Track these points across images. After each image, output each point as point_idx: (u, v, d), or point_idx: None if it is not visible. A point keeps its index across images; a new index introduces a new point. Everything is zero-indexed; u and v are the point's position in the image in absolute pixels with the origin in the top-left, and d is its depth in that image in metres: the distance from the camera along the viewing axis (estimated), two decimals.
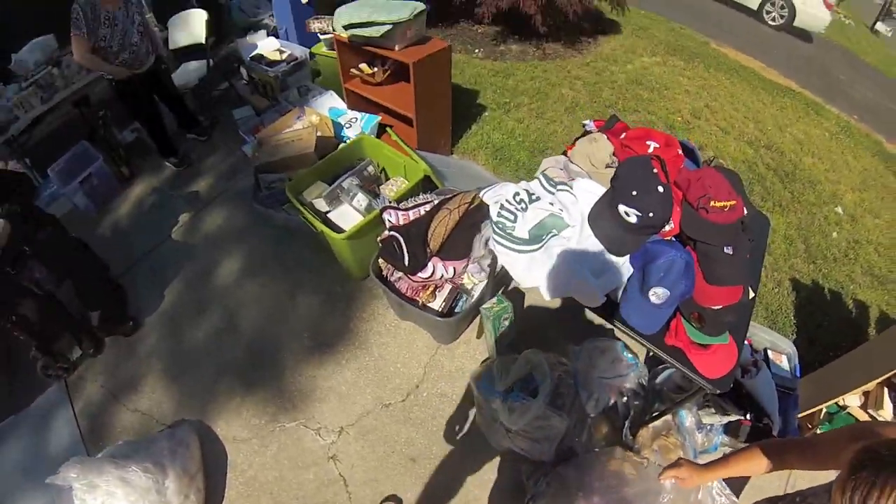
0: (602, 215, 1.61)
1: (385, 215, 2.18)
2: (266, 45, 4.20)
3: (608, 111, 4.34)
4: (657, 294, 1.48)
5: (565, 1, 4.36)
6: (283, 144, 2.97)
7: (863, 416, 2.33)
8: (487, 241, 1.95)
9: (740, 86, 5.65)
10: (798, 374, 2.37)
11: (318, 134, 3.01)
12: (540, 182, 1.82)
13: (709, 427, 2.12)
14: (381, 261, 2.31)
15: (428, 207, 2.13)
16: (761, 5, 8.78)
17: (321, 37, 3.66)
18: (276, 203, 3.04)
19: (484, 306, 2.21)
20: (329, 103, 3.46)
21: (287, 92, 3.80)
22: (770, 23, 8.76)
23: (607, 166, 1.81)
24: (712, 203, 1.52)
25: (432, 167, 2.55)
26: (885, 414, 2.26)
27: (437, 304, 2.21)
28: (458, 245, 2.05)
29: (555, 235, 1.67)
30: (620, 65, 5.20)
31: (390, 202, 2.30)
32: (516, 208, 1.77)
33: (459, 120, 3.87)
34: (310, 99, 3.59)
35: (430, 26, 5.10)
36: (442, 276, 2.17)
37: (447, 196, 2.12)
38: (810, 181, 4.30)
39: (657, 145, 1.77)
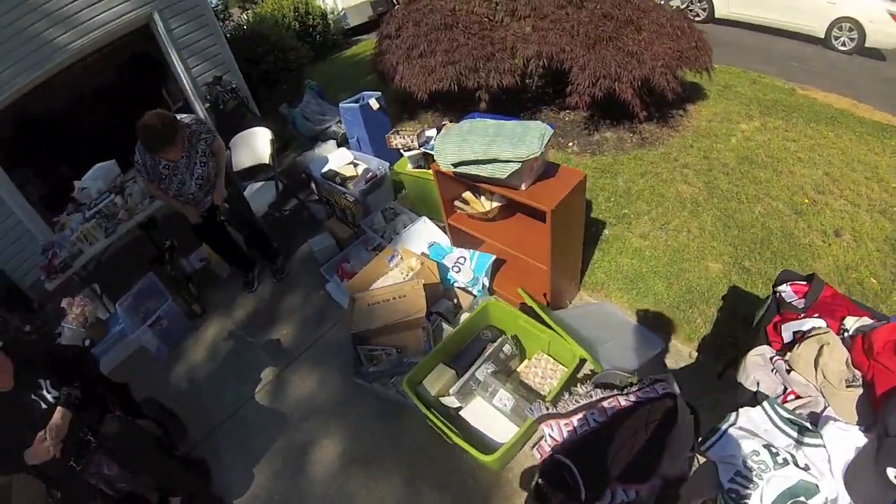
0: (863, 477, 1.26)
1: (545, 428, 1.66)
2: (337, 158, 3.85)
3: (730, 206, 3.84)
4: None
5: (663, 82, 3.89)
6: (384, 305, 2.50)
7: None
8: (678, 456, 1.47)
9: (846, 137, 5.09)
10: None
11: (424, 282, 2.54)
12: (768, 413, 1.46)
13: None
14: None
15: (598, 415, 1.61)
16: (828, 32, 8.18)
17: (405, 153, 3.27)
18: (384, 376, 2.55)
19: None
20: (425, 235, 3.02)
21: (371, 217, 3.40)
22: (840, 48, 8.09)
23: (847, 385, 1.45)
24: None
25: (586, 347, 2.02)
26: None
27: None
28: (645, 465, 1.53)
29: None
30: (723, 139, 4.73)
31: (545, 407, 1.76)
32: (755, 473, 1.35)
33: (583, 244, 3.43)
34: (400, 228, 3.16)
35: (506, 116, 4.73)
36: (622, 501, 1.62)
37: (622, 403, 1.59)
38: None
39: None
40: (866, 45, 7.90)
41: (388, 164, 3.55)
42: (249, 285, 3.52)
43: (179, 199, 2.90)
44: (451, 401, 2.15)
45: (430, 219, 3.13)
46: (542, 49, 3.93)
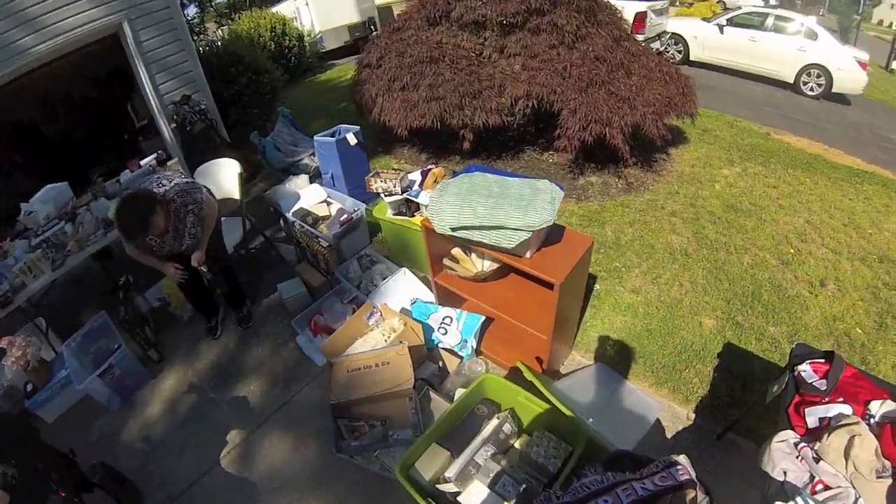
0: None
1: None
2: (310, 195, 3.57)
3: (719, 256, 3.80)
4: None
5: (654, 129, 3.80)
6: (366, 373, 2.24)
7: None
8: None
9: (822, 183, 5.26)
10: None
11: (408, 344, 2.28)
12: None
13: None
14: None
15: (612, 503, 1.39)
16: (797, 77, 8.56)
17: (385, 198, 3.02)
18: (367, 451, 2.25)
19: None
20: (407, 289, 2.76)
21: (346, 264, 3.12)
22: (808, 93, 8.53)
23: (878, 476, 1.43)
24: None
25: (587, 419, 1.80)
26: None
27: None
28: None
29: None
30: (707, 185, 4.74)
31: (555, 496, 1.51)
32: None
33: None
34: (378, 280, 2.90)
35: (492, 158, 4.56)
36: None
37: (640, 492, 1.36)
38: None
39: None
40: (833, 90, 8.34)
41: (363, 205, 3.29)
42: (212, 332, 3.17)
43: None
44: (448, 486, 1.89)
45: (411, 270, 2.87)
46: (533, 89, 3.79)
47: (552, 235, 2.10)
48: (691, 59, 9.06)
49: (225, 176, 3.46)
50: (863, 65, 8.07)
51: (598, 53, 3.90)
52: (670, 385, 2.76)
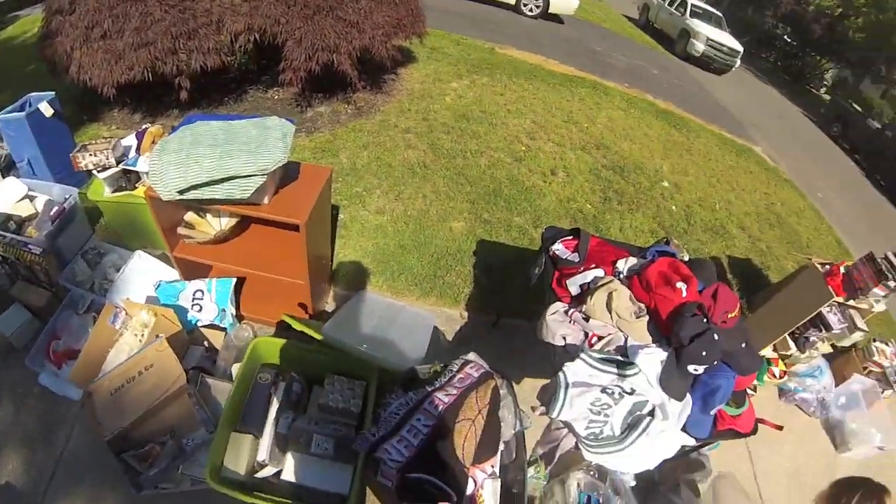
0: (672, 376, 1.68)
1: (381, 455, 1.44)
2: (5, 194, 2.75)
3: (457, 163, 4.13)
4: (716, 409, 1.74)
5: (382, 51, 3.85)
6: (132, 386, 1.94)
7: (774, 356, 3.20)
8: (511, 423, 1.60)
9: (543, 89, 6.12)
10: None
11: (165, 335, 2.05)
12: (587, 362, 1.72)
13: None
14: None
15: (425, 419, 1.48)
16: (518, 0, 9.80)
17: (98, 175, 2.51)
18: (170, 473, 1.99)
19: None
20: (147, 274, 2.42)
21: (70, 267, 2.55)
22: (528, 13, 9.90)
23: (637, 316, 1.81)
24: (729, 315, 1.80)
25: (372, 350, 1.92)
26: (792, 350, 3.12)
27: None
28: (491, 442, 1.53)
29: (647, 420, 1.65)
30: (438, 99, 5.02)
31: (369, 434, 1.54)
32: (603, 414, 1.67)
33: None
34: (113, 274, 2.47)
35: (213, 105, 4.10)
36: (484, 479, 1.60)
37: (445, 400, 1.50)
38: (637, 166, 4.90)
39: (684, 286, 1.80)
40: (550, 11, 9.92)
41: (75, 189, 2.68)
42: None
43: None
44: (266, 470, 1.82)
45: (146, 251, 2.51)
46: (255, 22, 3.45)
47: (288, 174, 2.04)
48: None
49: None
50: None
51: None
52: (436, 292, 2.97)
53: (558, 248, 2.17)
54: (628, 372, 1.68)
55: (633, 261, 2.05)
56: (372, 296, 2.77)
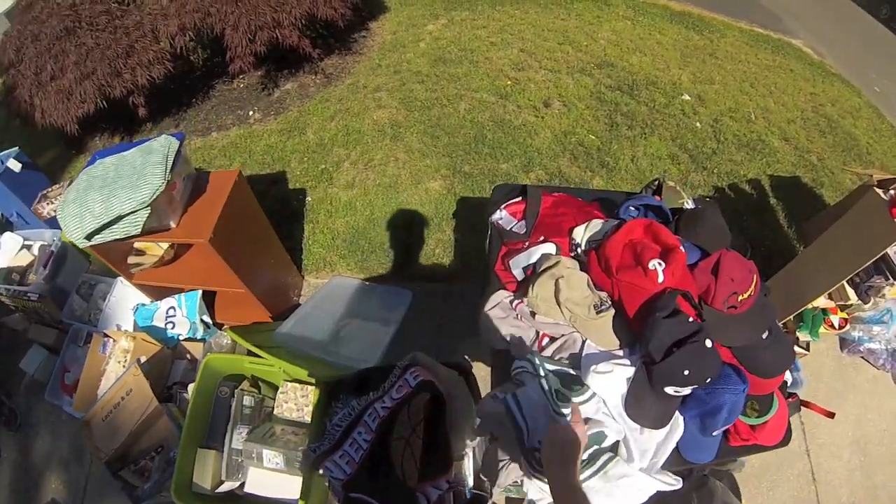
0: (644, 401, 1.23)
1: (326, 472, 1.41)
2: (6, 250, 3.02)
3: (432, 114, 3.76)
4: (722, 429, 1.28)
5: (329, 11, 3.60)
6: (120, 410, 2.10)
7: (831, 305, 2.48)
8: (464, 430, 1.44)
9: (533, 11, 5.36)
10: None
11: (143, 359, 2.19)
12: (541, 385, 1.25)
13: None
14: None
15: (365, 433, 1.39)
16: None
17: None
18: (163, 485, 2.14)
19: None
20: (128, 299, 2.55)
21: (69, 303, 2.78)
22: None
23: (598, 310, 1.29)
24: (739, 298, 1.28)
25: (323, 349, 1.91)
26: (852, 300, 2.36)
27: None
28: (440, 458, 1.39)
29: (606, 457, 1.21)
30: (411, 47, 4.56)
31: (311, 450, 1.46)
32: None
33: (286, 226, 3.03)
34: (102, 304, 2.64)
35: (182, 109, 4.11)
36: (440, 494, 1.54)
37: (380, 413, 1.40)
38: (649, 81, 4.23)
39: (659, 263, 1.23)
40: None
41: (59, 231, 2.86)
42: None
43: None
44: (230, 484, 1.89)
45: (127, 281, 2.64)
46: (185, 20, 3.33)
47: (197, 187, 1.97)
48: None
49: None
50: None
51: None
52: (416, 266, 2.80)
53: (502, 215, 1.66)
54: (576, 399, 1.21)
55: (596, 225, 1.46)
56: (342, 281, 2.68)
